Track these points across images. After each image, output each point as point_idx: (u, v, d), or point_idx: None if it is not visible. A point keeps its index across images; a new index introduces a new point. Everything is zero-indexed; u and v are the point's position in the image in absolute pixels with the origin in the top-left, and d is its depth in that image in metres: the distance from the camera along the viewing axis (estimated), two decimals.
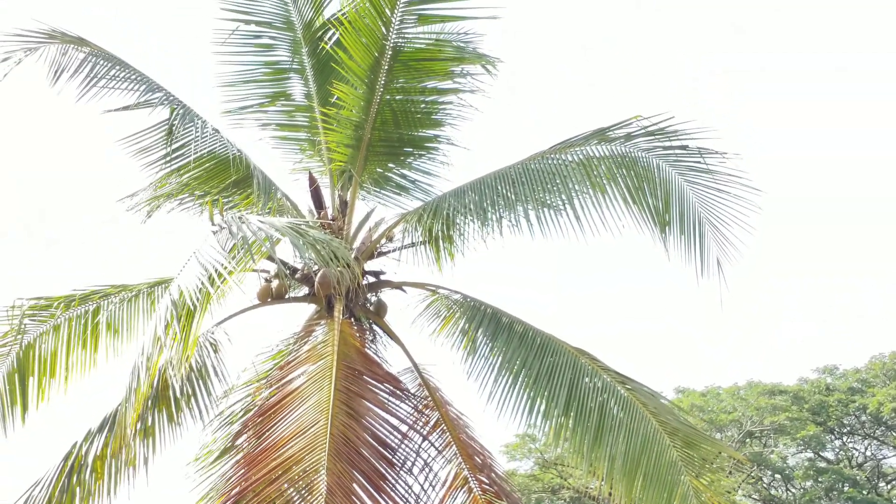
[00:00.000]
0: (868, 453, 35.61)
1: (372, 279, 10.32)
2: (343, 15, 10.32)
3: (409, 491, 8.67)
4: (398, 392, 9.19)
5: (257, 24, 11.15)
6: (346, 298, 9.79)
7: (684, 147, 9.78)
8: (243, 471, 8.23)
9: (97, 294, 10.28)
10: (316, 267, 9.85)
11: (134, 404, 7.65)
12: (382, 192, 11.09)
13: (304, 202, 10.64)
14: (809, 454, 35.02)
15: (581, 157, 10.00)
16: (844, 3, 52.55)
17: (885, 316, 46.24)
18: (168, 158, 10.45)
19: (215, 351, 10.22)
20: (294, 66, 11.18)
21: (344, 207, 10.52)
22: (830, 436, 35.22)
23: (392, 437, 8.70)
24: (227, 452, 9.83)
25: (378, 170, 10.87)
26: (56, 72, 9.94)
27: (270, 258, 9.68)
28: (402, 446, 8.85)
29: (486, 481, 9.70)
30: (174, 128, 10.31)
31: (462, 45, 10.19)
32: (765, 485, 35.16)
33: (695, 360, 48.75)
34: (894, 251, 50.48)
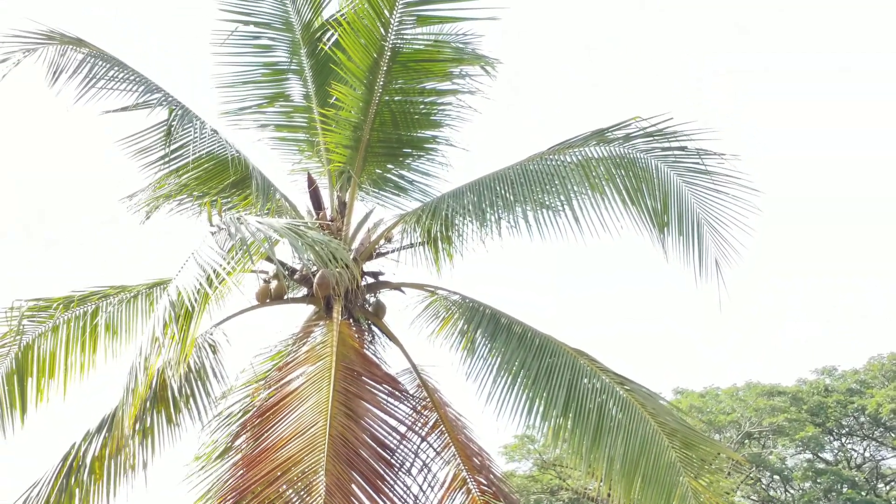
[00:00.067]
0: (867, 454, 35.62)
1: (371, 280, 10.32)
2: (342, 16, 10.33)
3: (408, 492, 8.67)
4: (397, 393, 9.18)
5: (256, 24, 11.15)
6: (344, 299, 9.79)
7: (683, 148, 9.79)
8: (242, 471, 8.23)
9: (96, 295, 10.27)
10: (315, 268, 9.85)
11: (131, 405, 7.65)
12: (381, 192, 11.08)
13: (303, 203, 10.65)
14: (808, 455, 35.03)
15: (580, 158, 10.00)
16: (848, 3, 52.61)
17: (887, 316, 46.29)
18: (167, 159, 10.45)
19: (214, 352, 10.21)
20: (293, 67, 11.18)
21: (343, 208, 10.52)
22: (829, 437, 35.23)
23: (391, 437, 8.70)
24: (226, 453, 9.83)
25: (377, 171, 10.87)
26: (55, 73, 9.93)
27: (269, 259, 9.68)
28: (401, 447, 8.85)
29: (485, 482, 9.70)
30: (173, 128, 10.31)
31: (461, 46, 10.19)
32: (763, 486, 35.17)
33: (693, 361, 48.79)
34: None
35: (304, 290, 10.24)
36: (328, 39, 10.90)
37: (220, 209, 9.49)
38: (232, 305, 9.84)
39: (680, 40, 53.80)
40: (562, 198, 9.86)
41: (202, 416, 10.11)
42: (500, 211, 9.96)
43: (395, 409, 9.00)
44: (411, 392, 9.92)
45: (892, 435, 34.64)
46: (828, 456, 35.50)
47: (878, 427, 34.76)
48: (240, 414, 10.16)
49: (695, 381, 47.02)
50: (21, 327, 9.95)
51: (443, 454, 9.75)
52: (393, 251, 10.40)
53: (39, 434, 10.67)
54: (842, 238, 51.43)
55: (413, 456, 9.13)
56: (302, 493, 7.73)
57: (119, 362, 10.17)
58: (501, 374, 9.83)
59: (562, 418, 9.51)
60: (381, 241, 10.38)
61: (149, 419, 9.77)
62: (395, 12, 9.70)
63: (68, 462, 9.68)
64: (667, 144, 9.83)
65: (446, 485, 9.67)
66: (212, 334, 10.23)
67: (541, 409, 9.61)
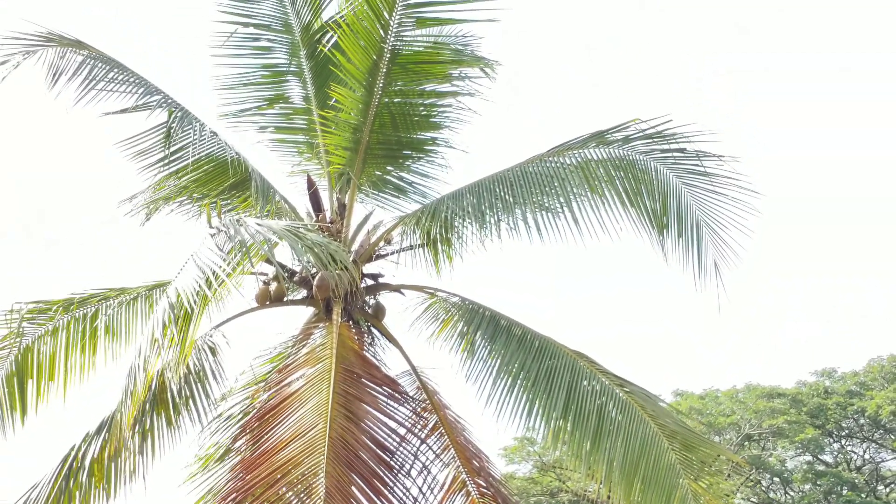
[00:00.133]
0: (867, 456, 35.61)
1: (370, 282, 10.32)
2: (341, 17, 10.33)
3: (408, 494, 8.67)
4: (396, 395, 9.18)
5: (255, 26, 11.16)
6: (344, 301, 9.79)
7: (682, 150, 9.79)
8: (242, 474, 8.23)
9: (96, 297, 10.27)
10: (314, 270, 9.84)
11: (130, 406, 7.65)
12: (381, 194, 11.08)
13: (303, 205, 10.64)
14: (808, 457, 35.03)
15: (579, 159, 10.00)
16: (848, 3, 52.63)
17: (887, 318, 46.30)
18: (166, 161, 10.44)
19: (214, 354, 10.21)
20: (292, 69, 11.18)
21: (342, 210, 10.52)
22: (829, 439, 35.23)
23: (390, 440, 8.70)
24: (226, 455, 9.84)
25: (376, 172, 10.87)
26: (54, 74, 9.93)
27: (268, 261, 9.67)
28: (401, 449, 8.85)
29: (484, 485, 9.69)
30: (172, 130, 10.31)
31: (461, 47, 10.19)
32: (763, 488, 35.16)
33: (693, 362, 48.77)
34: None
35: (303, 292, 10.23)
36: (328, 41, 10.90)
37: (219, 211, 9.49)
38: (231, 307, 9.84)
39: (680, 40, 53.84)
40: (561, 200, 9.86)
41: (202, 419, 10.11)
42: (499, 213, 9.96)
43: (395, 411, 9.01)
44: (411, 394, 9.92)
45: (892, 437, 34.63)
46: (828, 458, 35.50)
47: (878, 429, 34.75)
48: (239, 416, 10.17)
49: (694, 383, 47.01)
50: (21, 329, 9.94)
51: (442, 456, 9.74)
52: (392, 253, 10.40)
53: (40, 435, 10.69)
54: (842, 239, 51.48)
55: (413, 458, 9.12)
56: (302, 495, 7.73)
57: (119, 364, 10.18)
58: (501, 376, 9.83)
59: (561, 420, 9.51)
60: (381, 243, 10.37)
61: (148, 421, 9.77)
62: (394, 14, 9.70)
63: (67, 464, 9.68)
64: (666, 146, 9.83)
65: (446, 487, 9.66)
66: (211, 336, 10.22)
67: (540, 411, 9.61)
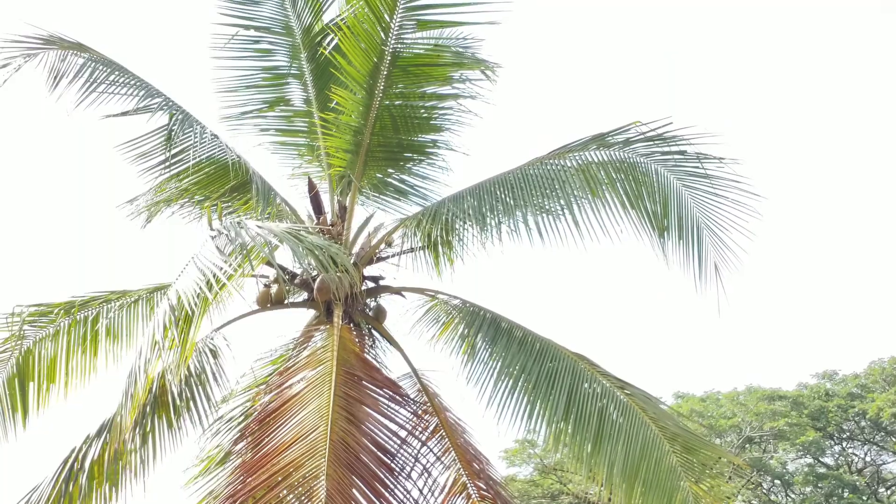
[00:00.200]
0: (868, 458, 35.59)
1: (371, 284, 10.32)
2: (342, 20, 10.33)
3: (408, 496, 8.67)
4: (397, 397, 9.19)
5: (256, 29, 11.16)
6: (345, 304, 9.79)
7: (682, 152, 9.79)
8: (243, 476, 8.23)
9: (97, 300, 10.27)
10: (315, 272, 9.84)
11: (130, 408, 7.65)
12: (382, 197, 11.09)
13: (304, 207, 10.65)
14: (809, 459, 35.00)
15: (580, 162, 10.00)
16: (848, 4, 52.68)
17: (888, 320, 46.28)
18: (167, 164, 10.46)
19: (214, 356, 10.21)
20: (293, 72, 11.18)
21: (343, 212, 10.52)
22: (830, 441, 35.20)
23: (391, 442, 8.70)
24: (227, 458, 9.83)
25: (377, 175, 10.88)
26: (55, 77, 9.94)
27: (269, 263, 9.68)
28: (402, 452, 8.85)
29: (485, 487, 9.69)
30: (173, 133, 10.31)
31: (461, 50, 10.21)
32: (764, 490, 35.14)
33: (694, 365, 48.75)
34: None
35: (304, 295, 10.24)
36: (328, 44, 10.90)
37: (220, 213, 9.50)
38: (232, 310, 9.86)
39: (680, 41, 53.85)
40: (562, 202, 9.86)
41: (203, 421, 10.11)
42: (500, 215, 9.96)
43: (396, 413, 9.01)
44: (412, 396, 9.92)
45: (893, 439, 34.62)
46: (829, 460, 35.47)
47: (879, 431, 34.73)
48: (240, 418, 10.17)
49: (695, 386, 47.03)
50: (22, 332, 9.94)
51: (443, 458, 9.74)
52: (393, 255, 10.41)
53: (41, 437, 10.69)
54: (841, 241, 51.47)
55: (413, 460, 9.12)
56: (303, 497, 7.74)
57: (120, 367, 10.18)
58: (502, 378, 9.83)
59: (562, 423, 9.51)
60: (382, 246, 10.37)
61: (149, 424, 9.77)
62: (395, 17, 9.71)
63: (68, 466, 9.68)
64: (667, 148, 9.84)
65: (446, 489, 9.66)
66: (212, 339, 10.22)
67: (541, 413, 9.61)
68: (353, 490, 7.91)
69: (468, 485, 9.64)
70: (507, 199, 10.00)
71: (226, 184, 10.59)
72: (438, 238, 9.99)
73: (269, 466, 8.02)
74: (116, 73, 10.20)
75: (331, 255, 8.71)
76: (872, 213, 50.70)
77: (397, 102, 10.30)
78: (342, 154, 10.52)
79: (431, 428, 9.87)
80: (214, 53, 11.13)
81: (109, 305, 10.23)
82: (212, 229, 8.27)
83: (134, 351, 8.29)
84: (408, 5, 9.69)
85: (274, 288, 10.08)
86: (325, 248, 8.64)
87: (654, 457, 9.14)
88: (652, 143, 9.87)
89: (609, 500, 9.24)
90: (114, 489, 9.72)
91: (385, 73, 10.02)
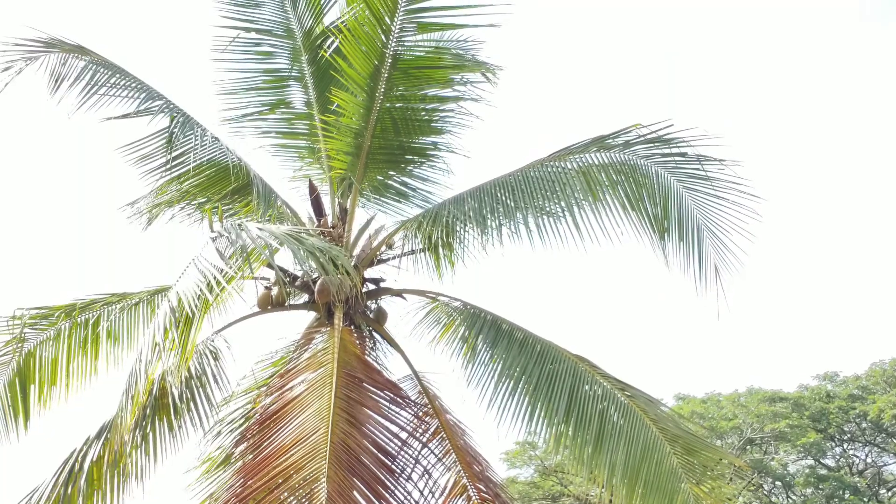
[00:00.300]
0: (869, 460, 35.57)
1: (372, 286, 10.33)
2: (342, 23, 10.34)
3: (409, 498, 8.67)
4: (398, 399, 9.19)
5: (257, 31, 11.17)
6: (345, 306, 9.80)
7: (683, 154, 9.80)
8: (243, 479, 8.24)
9: (98, 303, 10.28)
10: (316, 275, 9.85)
11: (130, 410, 7.66)
12: (382, 199, 11.10)
13: (305, 210, 10.66)
14: (810, 461, 34.98)
15: (580, 164, 10.01)
16: (846, 4, 52.70)
17: (889, 322, 46.27)
18: (168, 166, 10.47)
19: (215, 359, 10.21)
20: (294, 74, 11.19)
21: (344, 215, 10.53)
22: (831, 443, 35.18)
23: (392, 444, 8.71)
24: (228, 460, 9.84)
25: (378, 177, 10.89)
26: (56, 80, 9.96)
27: (270, 266, 9.69)
28: (402, 453, 8.85)
29: (485, 489, 9.69)
30: (174, 136, 10.33)
31: (462, 52, 10.22)
32: (765, 492, 35.13)
33: (695, 366, 48.72)
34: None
35: (305, 297, 10.25)
36: (329, 46, 10.90)
37: (220, 216, 9.50)
38: (233, 312, 9.86)
39: (680, 43, 53.87)
40: (562, 204, 9.87)
41: (203, 423, 10.11)
42: (500, 217, 9.97)
43: (397, 415, 9.02)
44: (413, 398, 9.92)
45: (895, 441, 34.61)
46: (830, 462, 35.45)
47: (880, 433, 34.71)
48: (241, 421, 10.17)
49: (696, 387, 47.01)
50: (23, 335, 9.96)
51: (444, 460, 9.74)
52: (394, 258, 10.41)
53: (42, 439, 10.69)
54: (842, 242, 51.44)
55: (414, 462, 9.13)
56: (303, 500, 7.74)
57: (121, 369, 10.19)
58: (503, 380, 9.83)
59: (563, 425, 9.51)
60: (383, 248, 10.38)
61: (149, 426, 9.77)
62: (396, 19, 9.72)
63: (68, 468, 9.68)
64: (667, 150, 9.85)
65: (447, 491, 9.66)
66: (213, 341, 10.23)
67: (542, 415, 9.61)
68: (354, 492, 7.92)
69: (468, 487, 9.64)
70: (508, 201, 10.01)
71: (227, 186, 10.60)
72: (439, 240, 10.00)
73: (269, 469, 8.03)
74: (117, 75, 10.21)
75: (332, 258, 8.71)
76: (872, 215, 50.70)
77: (398, 105, 10.31)
78: (343, 156, 10.53)
79: (432, 430, 9.87)
80: (215, 56, 11.15)
81: (110, 308, 10.24)
82: (212, 231, 8.28)
83: (135, 353, 8.30)
84: (408, 8, 9.70)
85: (275, 290, 10.08)
86: (325, 250, 8.64)
87: (655, 458, 9.14)
88: (652, 145, 9.88)
89: (610, 502, 9.24)
90: (113, 491, 9.72)
91: (386, 75, 10.03)
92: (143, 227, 10.86)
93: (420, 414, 9.77)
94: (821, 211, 50.87)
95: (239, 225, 8.06)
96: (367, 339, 9.99)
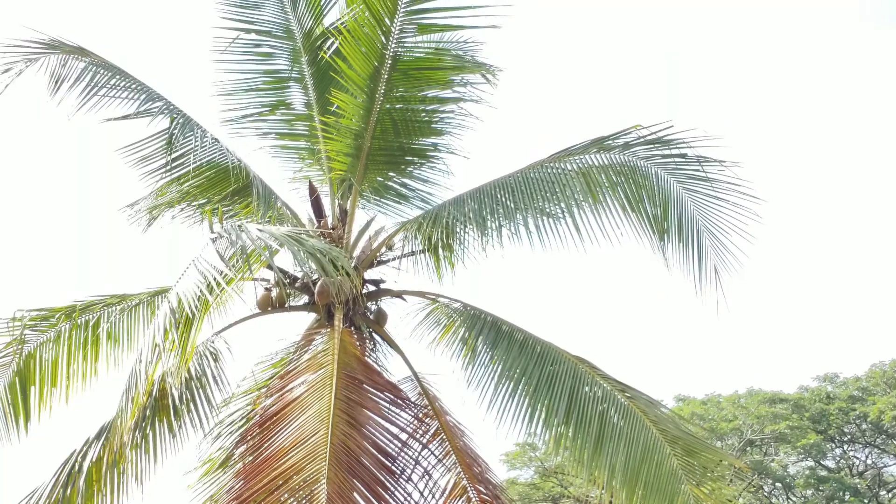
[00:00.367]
0: (869, 462, 35.57)
1: (372, 288, 10.33)
2: (342, 24, 10.34)
3: (409, 499, 8.67)
4: (398, 401, 9.19)
5: (257, 32, 11.17)
6: (345, 307, 9.80)
7: (683, 155, 9.80)
8: (243, 480, 8.24)
9: (98, 304, 10.28)
10: (316, 276, 9.85)
11: (130, 411, 7.66)
12: (382, 200, 11.10)
13: (305, 211, 10.66)
14: (810, 462, 34.97)
15: (580, 165, 10.01)
16: (846, 4, 52.70)
17: (889, 323, 46.27)
18: (168, 167, 10.46)
19: (215, 360, 10.21)
20: (294, 75, 11.19)
21: (344, 216, 10.53)
22: (831, 444, 35.18)
23: (392, 445, 8.71)
24: (228, 462, 9.84)
25: (378, 178, 10.89)
26: (56, 81, 9.95)
27: (270, 267, 9.69)
28: (402, 455, 8.85)
29: (484, 490, 9.69)
30: (174, 137, 10.33)
31: (462, 53, 10.22)
32: (765, 493, 35.12)
33: (695, 367, 48.72)
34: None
35: (305, 298, 10.24)
36: (329, 47, 10.91)
37: (220, 217, 9.50)
38: (233, 313, 9.85)
39: (680, 43, 53.88)
40: (562, 205, 9.87)
41: (203, 425, 10.10)
42: (500, 218, 9.97)
43: (397, 416, 9.01)
44: (412, 400, 9.92)
45: (895, 442, 34.60)
46: (830, 463, 35.44)
47: (881, 434, 34.71)
48: (241, 422, 10.17)
49: (696, 389, 47.02)
50: (23, 336, 9.95)
51: (444, 462, 9.74)
52: (394, 259, 10.41)
53: (42, 440, 10.69)
54: (842, 243, 51.45)
55: (414, 463, 9.12)
56: (304, 501, 7.74)
57: (121, 370, 10.18)
58: (503, 381, 9.83)
59: (563, 426, 9.50)
60: (383, 249, 10.39)
61: (149, 427, 9.77)
62: (395, 20, 9.72)
63: (67, 469, 9.68)
64: (667, 151, 9.85)
65: (447, 492, 9.66)
66: (213, 342, 10.22)
67: (542, 416, 9.61)
68: (354, 493, 7.91)
69: (468, 488, 9.64)
70: (508, 202, 10.01)
71: (227, 187, 10.60)
72: (439, 241, 10.00)
73: (269, 470, 8.02)
74: (117, 76, 10.22)
75: (332, 259, 8.71)
76: (872, 216, 50.71)
77: (398, 106, 10.31)
78: (343, 158, 10.53)
79: (432, 431, 9.87)
80: (215, 57, 11.16)
81: (110, 309, 10.24)
82: (213, 233, 8.28)
83: (134, 354, 8.30)
84: (408, 9, 9.70)
85: (275, 291, 10.08)
86: (325, 251, 8.64)
87: (655, 460, 9.14)
88: (652, 146, 9.88)
89: (610, 503, 9.23)
90: (112, 492, 9.72)
91: (386, 76, 10.03)
92: (144, 228, 10.86)
93: (420, 415, 9.76)
94: (821, 212, 50.89)
95: (239, 226, 8.06)
96: (368, 341, 9.99)
